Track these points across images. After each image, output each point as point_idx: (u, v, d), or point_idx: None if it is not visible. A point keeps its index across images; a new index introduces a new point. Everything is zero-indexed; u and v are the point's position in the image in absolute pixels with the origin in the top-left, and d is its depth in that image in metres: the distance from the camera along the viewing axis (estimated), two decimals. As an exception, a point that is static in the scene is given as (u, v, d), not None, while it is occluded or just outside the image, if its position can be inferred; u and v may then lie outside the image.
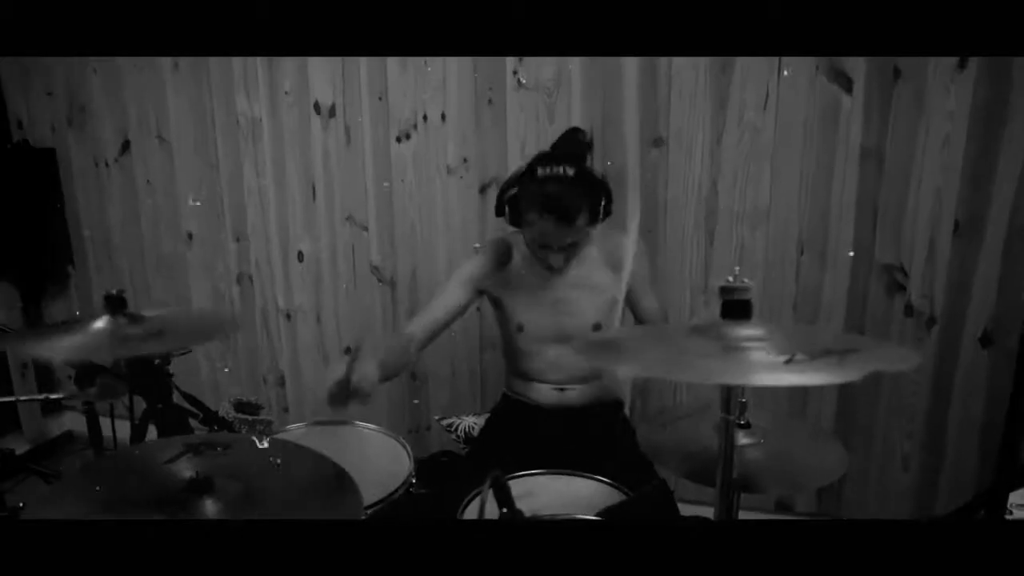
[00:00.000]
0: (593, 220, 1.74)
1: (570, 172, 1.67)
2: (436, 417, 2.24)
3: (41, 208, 3.01)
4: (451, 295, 1.88)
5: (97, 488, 1.15)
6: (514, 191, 1.73)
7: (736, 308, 0.93)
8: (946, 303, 2.22)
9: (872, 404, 2.35)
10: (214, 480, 1.16)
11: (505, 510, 0.83)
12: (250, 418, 1.69)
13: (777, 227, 2.28)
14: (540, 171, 1.69)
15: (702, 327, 0.95)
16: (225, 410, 1.73)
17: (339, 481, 1.26)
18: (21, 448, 3.05)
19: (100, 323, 1.14)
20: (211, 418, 1.67)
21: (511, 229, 1.83)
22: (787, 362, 0.79)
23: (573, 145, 1.77)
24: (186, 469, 1.19)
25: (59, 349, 1.13)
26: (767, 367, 0.82)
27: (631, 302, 1.90)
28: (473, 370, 2.69)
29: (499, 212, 1.78)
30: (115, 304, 1.16)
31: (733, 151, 2.26)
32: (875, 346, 0.95)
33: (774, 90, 2.19)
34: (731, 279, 0.93)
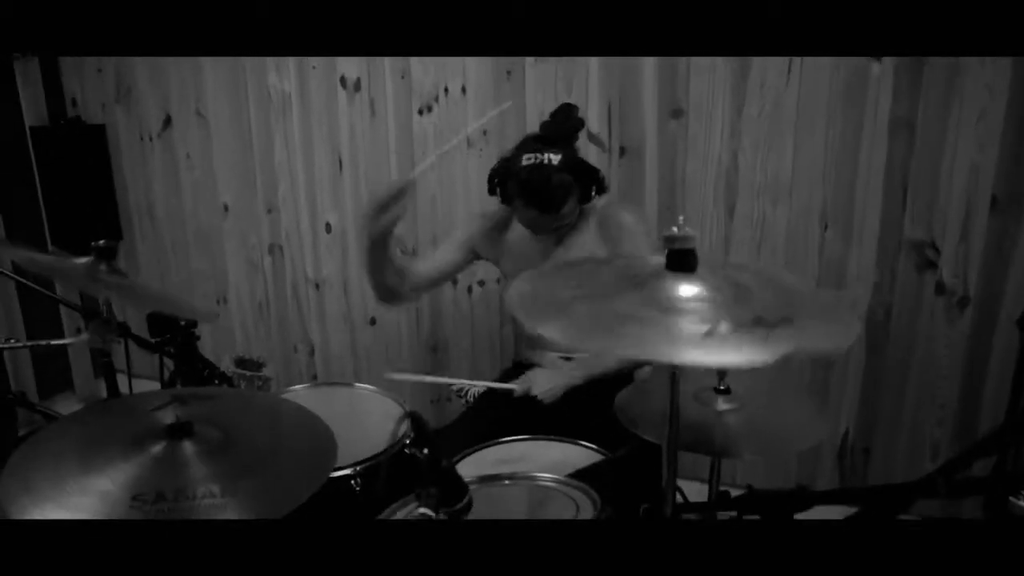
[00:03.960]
0: (584, 201, 1.76)
1: (554, 160, 1.67)
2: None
3: (93, 181, 3.16)
4: (444, 253, 1.98)
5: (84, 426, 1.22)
6: (502, 174, 1.77)
7: (680, 259, 0.91)
8: (981, 282, 2.11)
9: (899, 388, 2.26)
10: (193, 425, 1.21)
11: (426, 451, 0.83)
12: (248, 374, 1.75)
13: (800, 201, 2.21)
14: (525, 158, 1.69)
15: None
16: (226, 366, 1.79)
17: (318, 437, 1.29)
18: (71, 409, 3.22)
19: (83, 260, 1.20)
20: (214, 374, 1.74)
21: None
22: (706, 334, 0.76)
23: (564, 122, 1.76)
24: (169, 416, 1.25)
25: (36, 262, 1.20)
26: (687, 340, 0.78)
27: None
28: (493, 342, 2.71)
29: (491, 191, 1.82)
30: (103, 253, 1.22)
31: (755, 122, 2.19)
32: (821, 312, 0.91)
33: (798, 58, 2.11)
34: (675, 228, 0.91)
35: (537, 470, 1.47)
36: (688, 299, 0.88)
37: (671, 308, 0.87)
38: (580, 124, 1.80)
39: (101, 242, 1.20)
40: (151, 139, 3.07)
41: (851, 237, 2.19)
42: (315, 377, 3.04)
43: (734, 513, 0.90)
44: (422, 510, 0.78)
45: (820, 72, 2.10)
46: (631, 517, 1.11)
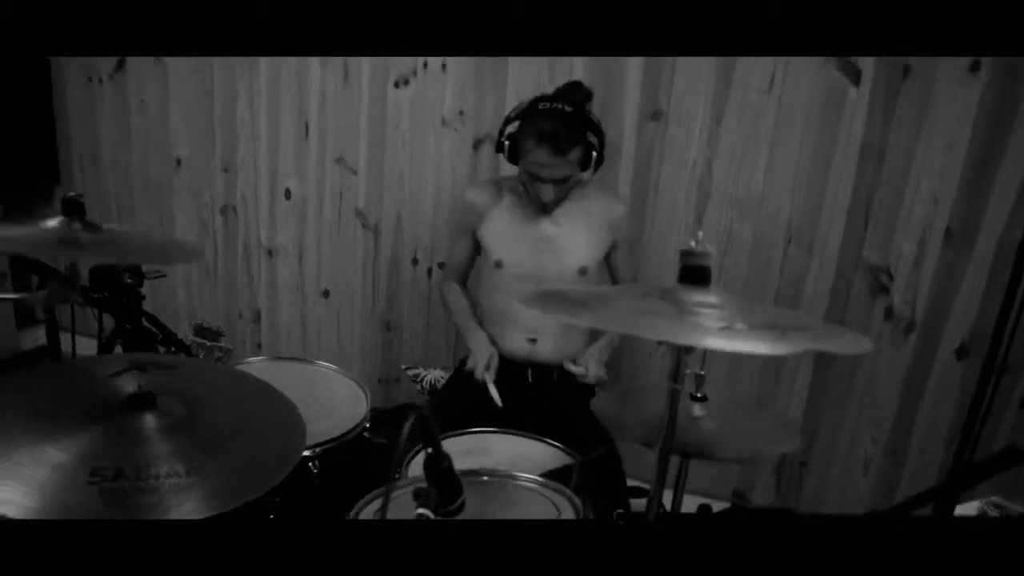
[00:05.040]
0: (586, 161, 1.81)
1: (568, 109, 1.76)
2: (403, 367, 2.23)
3: (32, 119, 2.96)
4: (453, 246, 2.06)
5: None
6: (514, 124, 1.81)
7: (695, 273, 0.91)
8: (927, 311, 2.20)
9: (840, 405, 2.33)
10: (156, 397, 1.14)
11: (431, 450, 0.81)
12: (208, 343, 1.67)
13: (768, 214, 2.25)
14: (540, 105, 1.78)
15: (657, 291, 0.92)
16: (185, 333, 1.71)
17: (286, 416, 1.24)
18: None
19: (53, 223, 1.11)
20: (170, 340, 1.65)
21: (504, 173, 1.83)
22: (723, 329, 0.77)
23: (574, 93, 1.82)
24: (129, 384, 1.17)
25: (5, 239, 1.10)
26: (705, 331, 0.79)
27: (609, 258, 1.99)
28: (449, 325, 2.68)
29: (499, 148, 1.85)
30: (71, 207, 1.14)
31: (732, 132, 2.22)
32: (830, 331, 0.93)
33: (780, 72, 2.14)
34: (694, 244, 0.91)
35: (498, 464, 1.46)
36: (705, 304, 0.89)
37: (688, 311, 0.88)
38: (590, 95, 1.85)
39: (70, 194, 1.11)
40: (100, 81, 2.89)
41: (812, 255, 2.25)
42: (259, 346, 2.95)
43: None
44: (421, 510, 0.75)
45: (800, 89, 2.13)
46: (608, 520, 1.11)
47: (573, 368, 1.84)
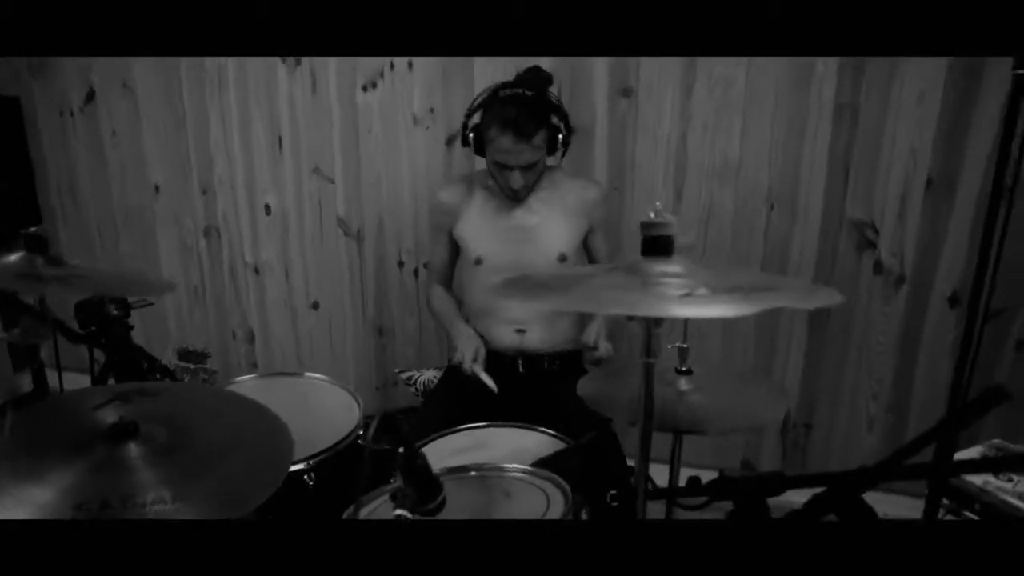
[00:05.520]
0: (552, 145, 1.81)
1: (529, 94, 1.76)
2: (396, 370, 2.22)
3: (7, 158, 2.95)
4: (439, 252, 2.05)
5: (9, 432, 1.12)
6: (477, 115, 1.81)
7: (657, 245, 0.90)
8: (916, 262, 2.19)
9: (839, 363, 2.33)
10: (139, 425, 1.14)
11: (401, 450, 0.80)
12: (193, 366, 1.67)
13: (747, 182, 2.24)
14: (501, 93, 1.78)
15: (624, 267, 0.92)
16: (168, 359, 1.70)
17: (273, 432, 1.24)
18: (-10, 401, 3.02)
19: (13, 258, 1.11)
20: (154, 367, 1.65)
21: (475, 168, 1.82)
22: (684, 296, 0.76)
23: (534, 77, 1.82)
24: (111, 415, 1.17)
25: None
26: (667, 301, 0.79)
27: (587, 242, 1.99)
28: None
29: (464, 141, 1.86)
30: (35, 243, 1.13)
31: (704, 104, 2.20)
32: (800, 288, 0.92)
33: (745, 40, 2.12)
34: (652, 215, 0.90)
35: (497, 458, 1.46)
36: (668, 274, 0.88)
37: (653, 282, 0.87)
38: (550, 79, 1.84)
39: (32, 229, 1.10)
40: (72, 114, 2.89)
41: (795, 218, 2.23)
42: (255, 365, 2.94)
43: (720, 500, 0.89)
44: (398, 512, 0.75)
45: (768, 57, 2.12)
46: (603, 508, 1.11)
47: (589, 345, 1.81)
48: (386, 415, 0.80)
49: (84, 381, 1.91)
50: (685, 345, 1.29)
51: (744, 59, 2.14)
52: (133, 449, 1.10)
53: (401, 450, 0.80)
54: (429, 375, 2.10)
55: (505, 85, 1.80)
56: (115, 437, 1.10)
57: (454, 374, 1.98)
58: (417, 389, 2.07)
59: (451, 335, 1.97)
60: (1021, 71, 1.32)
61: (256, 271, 2.82)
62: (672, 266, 0.87)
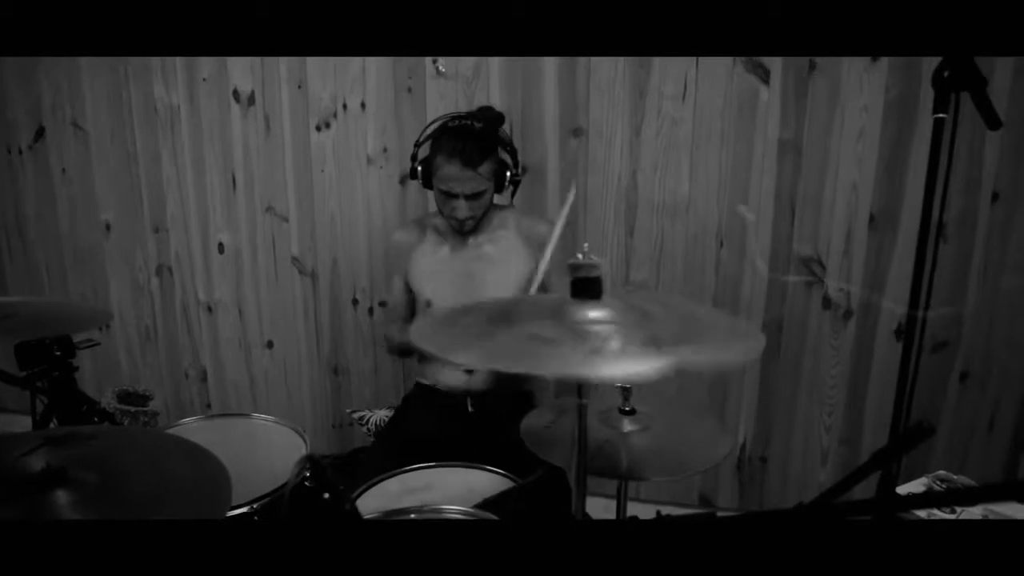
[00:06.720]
0: (500, 180, 1.81)
1: (478, 125, 1.77)
2: (348, 410, 2.19)
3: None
4: (396, 292, 2.01)
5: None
6: (426, 147, 1.81)
7: (585, 286, 0.90)
8: (862, 296, 2.23)
9: (792, 396, 2.35)
10: (68, 471, 1.10)
11: (327, 495, 0.79)
12: (132, 409, 1.62)
13: (697, 219, 2.28)
14: (451, 123, 1.79)
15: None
16: (107, 401, 1.65)
17: (214, 475, 1.20)
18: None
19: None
20: (92, 410, 1.60)
21: (429, 210, 1.82)
22: (591, 352, 0.75)
23: (484, 113, 1.83)
24: (38, 462, 1.13)
25: None
26: (577, 358, 0.78)
27: (546, 286, 1.92)
28: (396, 364, 2.65)
29: (413, 173, 1.86)
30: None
31: (652, 142, 2.24)
32: (727, 332, 0.92)
33: (692, 81, 2.18)
34: (580, 256, 0.90)
35: (443, 498, 1.44)
36: (591, 322, 0.88)
37: (574, 331, 0.87)
38: (501, 117, 1.85)
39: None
40: (20, 152, 2.84)
41: (744, 254, 2.27)
42: (209, 405, 2.88)
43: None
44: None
45: (714, 92, 2.17)
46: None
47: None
48: (311, 459, 0.78)
49: (27, 424, 1.86)
50: (628, 385, 1.29)
51: (690, 97, 2.19)
52: (61, 496, 1.06)
53: (327, 496, 0.78)
54: (381, 414, 2.07)
55: (455, 117, 1.81)
56: (42, 485, 1.06)
57: (403, 412, 1.96)
58: (369, 429, 2.04)
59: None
60: (941, 115, 1.37)
61: (209, 310, 2.78)
62: (599, 311, 0.87)
